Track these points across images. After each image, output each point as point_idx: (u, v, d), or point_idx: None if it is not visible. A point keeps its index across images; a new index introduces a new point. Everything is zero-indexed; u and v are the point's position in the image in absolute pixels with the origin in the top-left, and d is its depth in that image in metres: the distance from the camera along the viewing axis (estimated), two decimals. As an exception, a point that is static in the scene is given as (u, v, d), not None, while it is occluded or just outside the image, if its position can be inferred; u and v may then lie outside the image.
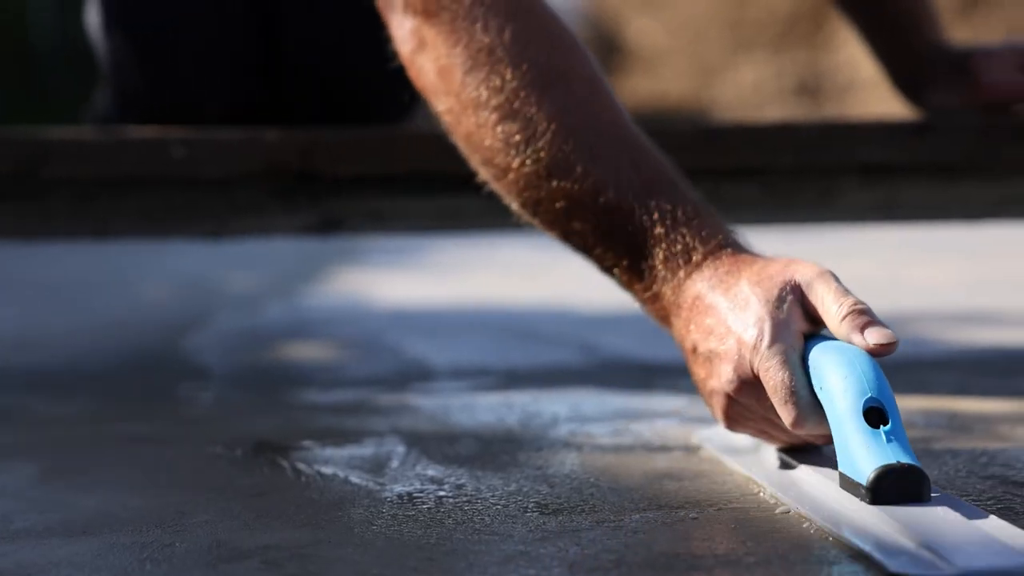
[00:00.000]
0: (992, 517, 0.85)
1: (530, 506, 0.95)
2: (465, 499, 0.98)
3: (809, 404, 0.92)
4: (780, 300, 0.95)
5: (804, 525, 0.89)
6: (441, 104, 1.09)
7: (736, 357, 0.95)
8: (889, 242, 2.93)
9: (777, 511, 0.92)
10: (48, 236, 1.48)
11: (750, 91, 7.13)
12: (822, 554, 0.83)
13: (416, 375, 1.59)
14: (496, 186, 1.08)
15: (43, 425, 1.32)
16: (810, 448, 1.01)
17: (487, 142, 1.06)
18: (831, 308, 0.93)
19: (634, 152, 1.04)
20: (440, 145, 1.48)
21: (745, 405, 0.97)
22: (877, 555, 0.80)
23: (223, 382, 1.59)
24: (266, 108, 1.58)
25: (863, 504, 0.87)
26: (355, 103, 1.59)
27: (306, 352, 1.91)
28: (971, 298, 2.12)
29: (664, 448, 1.12)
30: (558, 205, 1.05)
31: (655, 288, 1.02)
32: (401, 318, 2.16)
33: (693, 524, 0.90)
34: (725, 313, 0.97)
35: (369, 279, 2.75)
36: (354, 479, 1.04)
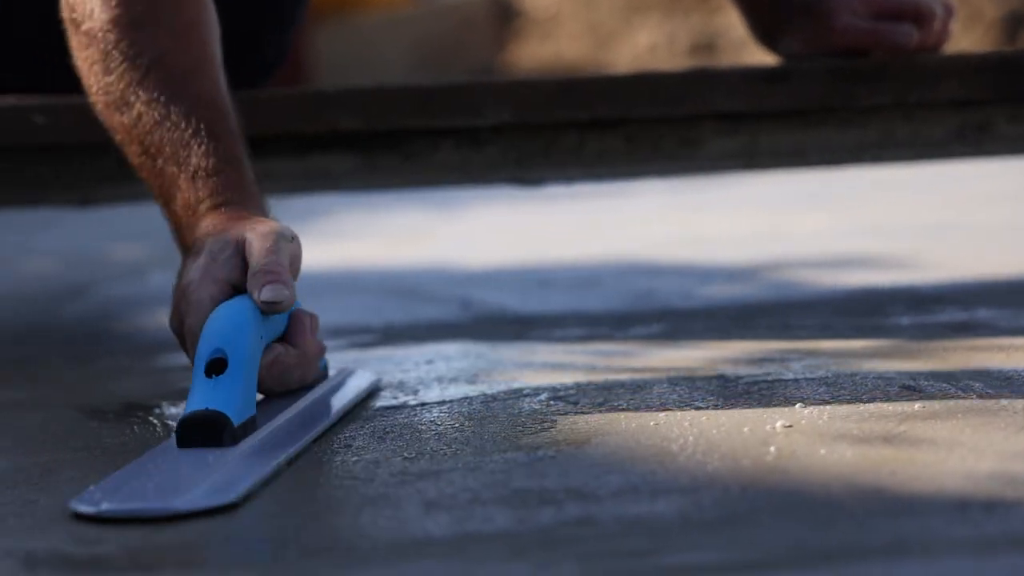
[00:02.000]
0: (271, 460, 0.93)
1: (395, 452, 0.97)
2: (331, 448, 0.99)
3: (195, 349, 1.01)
4: (218, 252, 1.05)
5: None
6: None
7: (177, 300, 1.06)
8: (762, 192, 2.98)
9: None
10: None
11: (646, 53, 7.16)
12: None
13: (293, 335, 1.60)
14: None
15: (-88, 394, 1.32)
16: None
17: (80, 66, 1.21)
18: (251, 264, 1.04)
19: (194, 105, 1.15)
20: (304, 105, 1.50)
21: (183, 346, 1.07)
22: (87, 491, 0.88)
23: (99, 348, 1.59)
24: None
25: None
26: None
27: (185, 317, 1.91)
28: (838, 244, 2.16)
29: (530, 394, 1.14)
30: (117, 137, 1.19)
31: (177, 228, 1.15)
32: (283, 282, 2.16)
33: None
34: (190, 260, 1.07)
35: (254, 246, 2.75)
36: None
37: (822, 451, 0.90)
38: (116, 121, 1.19)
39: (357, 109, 1.48)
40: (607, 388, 1.14)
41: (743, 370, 1.19)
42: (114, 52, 1.18)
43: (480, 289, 1.88)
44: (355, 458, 0.96)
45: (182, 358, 1.46)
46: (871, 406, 1.02)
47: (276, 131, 1.47)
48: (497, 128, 1.50)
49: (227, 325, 1.00)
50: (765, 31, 1.57)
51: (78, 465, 0.99)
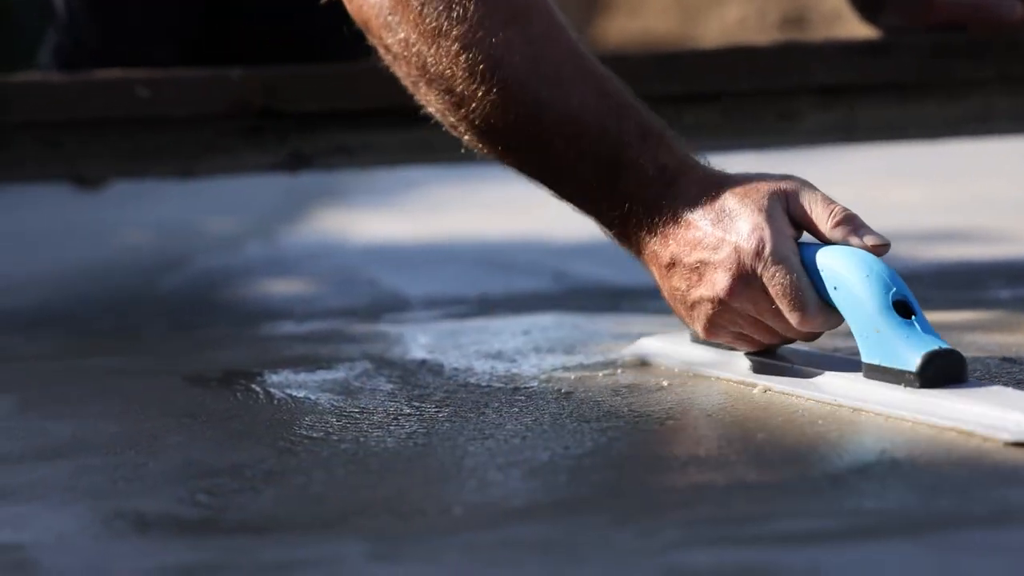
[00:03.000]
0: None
1: (499, 423, 0.98)
2: (436, 420, 1.00)
3: (817, 303, 0.97)
4: (771, 208, 0.98)
5: (848, 414, 0.92)
6: (393, 36, 1.09)
7: (734, 264, 0.98)
8: (860, 166, 2.96)
9: (783, 405, 0.95)
10: (17, 181, 1.50)
11: (735, 27, 7.11)
12: (913, 438, 0.86)
13: (391, 305, 1.62)
14: (452, 117, 1.08)
15: (18, 362, 1.34)
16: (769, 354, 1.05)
17: (448, 71, 1.06)
18: (822, 215, 0.99)
19: (597, 80, 1.05)
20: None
21: (736, 310, 1.00)
22: (982, 431, 0.85)
23: (199, 318, 1.61)
24: (213, 53, 1.60)
25: (911, 390, 0.92)
26: (301, 43, 1.60)
27: (282, 287, 1.93)
28: (938, 217, 2.15)
29: (625, 366, 1.15)
30: (521, 133, 1.05)
31: (624, 210, 1.03)
32: (378, 253, 2.18)
33: (674, 428, 0.93)
34: (713, 225, 0.99)
35: (348, 218, 2.77)
36: (324, 402, 1.07)
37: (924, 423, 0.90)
38: (515, 116, 1.05)
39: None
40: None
41: (840, 341, 1.19)
42: (502, 45, 1.05)
43: (574, 261, 1.89)
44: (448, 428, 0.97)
45: (280, 327, 1.49)
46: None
47: (380, 104, 1.48)
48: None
49: (885, 268, 0.97)
50: (865, 4, 1.56)
51: (184, 431, 1.01)
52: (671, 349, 1.13)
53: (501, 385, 1.09)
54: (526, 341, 1.29)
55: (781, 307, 0.98)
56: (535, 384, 1.09)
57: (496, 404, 1.02)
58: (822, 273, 0.97)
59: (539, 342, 1.28)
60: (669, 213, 1.02)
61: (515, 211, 2.61)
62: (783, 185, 1.00)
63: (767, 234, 0.97)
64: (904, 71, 1.51)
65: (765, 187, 0.99)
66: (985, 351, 1.11)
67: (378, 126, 1.51)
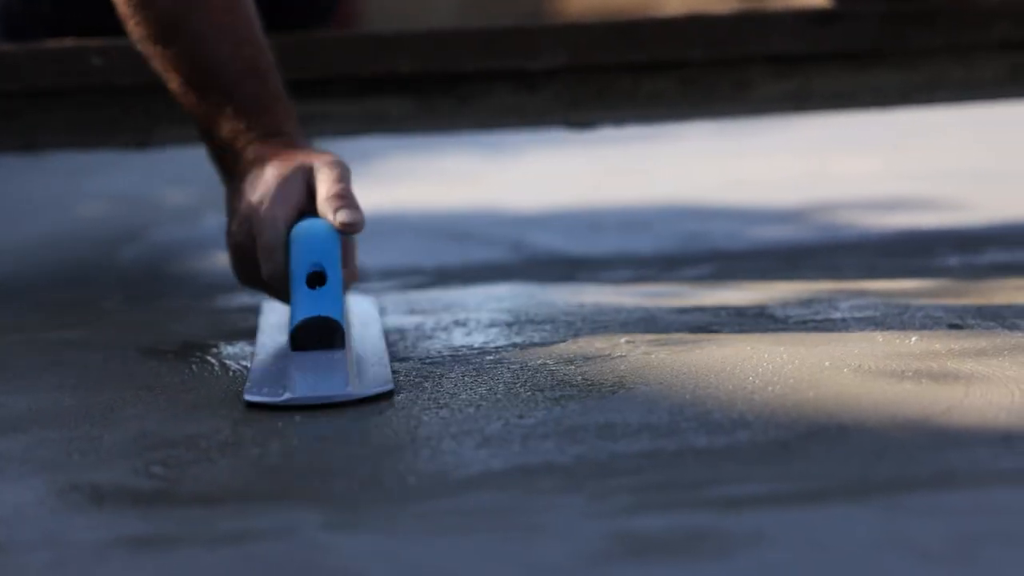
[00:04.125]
0: (383, 360, 1.04)
1: (454, 393, 0.99)
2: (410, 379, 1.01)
3: (278, 266, 1.11)
4: (288, 178, 1.13)
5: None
6: None
7: (243, 217, 1.14)
8: (815, 136, 2.98)
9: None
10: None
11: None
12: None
13: (347, 277, 1.62)
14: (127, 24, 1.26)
15: (-26, 334, 1.34)
16: None
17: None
18: (321, 190, 1.12)
19: (239, 41, 1.21)
20: (361, 48, 1.52)
21: (247, 262, 1.16)
22: (246, 387, 0.99)
23: (156, 290, 1.61)
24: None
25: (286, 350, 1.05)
26: (268, 9, 1.60)
27: (239, 260, 1.93)
28: (890, 186, 2.16)
29: (581, 334, 1.16)
30: (161, 67, 1.24)
31: (221, 154, 1.21)
32: (335, 225, 2.18)
33: (626, 396, 0.94)
34: (250, 182, 1.15)
35: (306, 190, 2.77)
36: (279, 372, 1.07)
37: (870, 387, 0.92)
38: (158, 52, 1.24)
39: (414, 52, 1.49)
40: (657, 328, 1.15)
41: (791, 310, 1.20)
42: None
43: (531, 231, 1.90)
44: (430, 393, 0.98)
45: (237, 299, 1.49)
46: (918, 344, 1.03)
47: (334, 73, 1.48)
48: (552, 71, 1.51)
49: (320, 242, 1.08)
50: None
51: (140, 403, 1.01)
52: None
53: (456, 355, 1.10)
54: (482, 311, 1.30)
55: (260, 260, 1.12)
56: (490, 354, 1.10)
57: (451, 374, 1.03)
58: (291, 243, 1.10)
59: (495, 312, 1.29)
60: (240, 167, 1.18)
61: (473, 182, 2.62)
62: (313, 160, 1.14)
63: (268, 196, 1.12)
64: (857, 40, 1.52)
65: (297, 160, 1.14)
66: (931, 318, 1.12)
67: (334, 95, 1.51)
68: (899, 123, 2.75)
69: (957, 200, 1.96)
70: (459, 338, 1.17)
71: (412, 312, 1.31)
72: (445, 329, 1.21)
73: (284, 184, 1.13)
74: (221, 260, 1.92)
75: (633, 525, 0.70)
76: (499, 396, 0.96)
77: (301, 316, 1.04)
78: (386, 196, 2.35)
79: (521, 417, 0.91)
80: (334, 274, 1.07)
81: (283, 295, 1.14)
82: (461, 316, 1.27)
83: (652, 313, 1.23)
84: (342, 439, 0.89)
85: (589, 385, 0.98)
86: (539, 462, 0.81)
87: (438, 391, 0.98)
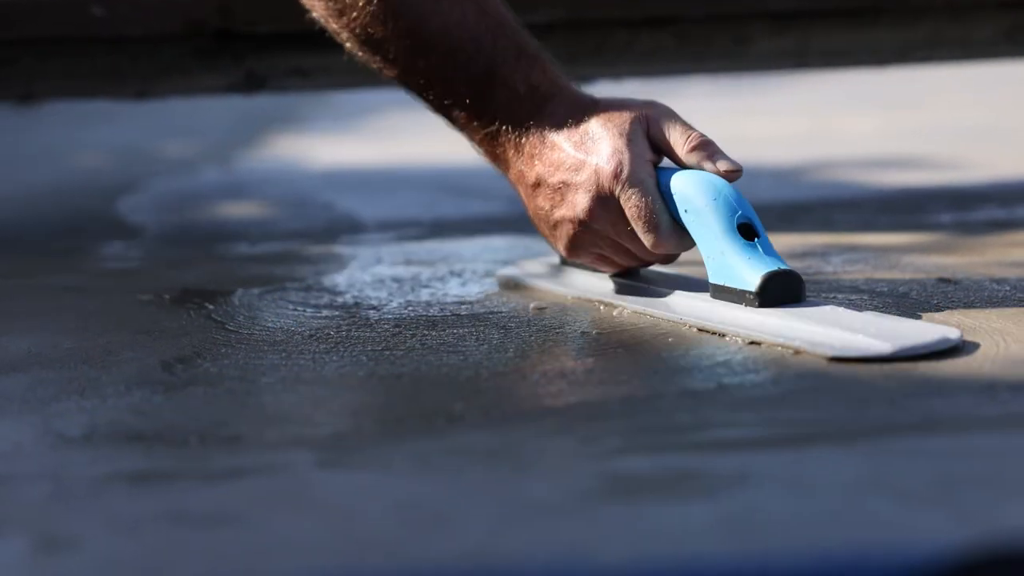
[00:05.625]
0: (869, 312, 0.95)
1: (450, 342, 1.00)
2: (383, 338, 1.03)
3: (670, 226, 1.01)
4: (633, 133, 1.01)
5: (692, 332, 0.94)
6: None
7: (594, 186, 1.01)
8: (815, 96, 2.98)
9: (647, 324, 0.98)
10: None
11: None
12: (750, 354, 0.88)
13: (346, 228, 1.64)
14: (334, 24, 1.09)
15: (-26, 279, 1.36)
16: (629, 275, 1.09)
17: None
18: (679, 140, 1.02)
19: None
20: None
21: (596, 232, 1.03)
22: (810, 348, 0.89)
23: (155, 239, 1.63)
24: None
25: (751, 310, 0.96)
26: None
27: (238, 211, 1.95)
28: (884, 145, 2.17)
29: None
30: (401, 43, 1.06)
31: (495, 126, 1.06)
32: (335, 178, 2.20)
33: (631, 344, 0.95)
34: (576, 148, 1.02)
35: (306, 144, 2.78)
36: (279, 320, 1.08)
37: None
38: (395, 26, 1.06)
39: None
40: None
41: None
42: None
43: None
44: (401, 344, 0.99)
45: (235, 249, 1.50)
46: (908, 296, 1.04)
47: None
48: (550, 26, 1.52)
49: (733, 193, 1.00)
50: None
51: (138, 347, 1.02)
52: (542, 272, 1.16)
53: (451, 303, 1.11)
54: (478, 262, 1.31)
55: (636, 229, 1.01)
56: (485, 302, 1.11)
57: (443, 324, 1.04)
58: (674, 197, 1.00)
59: (491, 263, 1.30)
60: (536, 134, 1.04)
61: (472, 136, 2.63)
62: (646, 111, 1.03)
63: (625, 158, 1.00)
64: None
65: (628, 113, 1.02)
66: (922, 271, 1.13)
67: (334, 48, 1.51)
68: (899, 82, 2.76)
69: (954, 158, 1.97)
70: (454, 288, 1.18)
71: (408, 263, 1.33)
72: (440, 279, 1.22)
73: (632, 143, 1.01)
74: (219, 211, 1.94)
75: (623, 466, 0.71)
76: (494, 343, 0.97)
77: (765, 270, 0.96)
78: (385, 151, 2.36)
79: (516, 363, 0.92)
80: (760, 225, 0.99)
81: (668, 257, 1.05)
82: (456, 267, 1.28)
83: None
84: (338, 383, 0.90)
85: (583, 332, 0.99)
86: (532, 405, 0.83)
87: (432, 338, 1.00)
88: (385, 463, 0.73)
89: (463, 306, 1.10)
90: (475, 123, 1.07)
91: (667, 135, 1.02)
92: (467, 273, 1.24)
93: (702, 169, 1.01)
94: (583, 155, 1.02)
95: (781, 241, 1.33)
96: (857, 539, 0.60)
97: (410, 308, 1.10)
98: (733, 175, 1.01)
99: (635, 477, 0.69)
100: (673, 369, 0.88)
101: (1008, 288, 1.06)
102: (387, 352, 0.96)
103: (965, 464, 0.68)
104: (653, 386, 0.85)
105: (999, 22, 1.55)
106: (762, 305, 0.96)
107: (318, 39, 1.49)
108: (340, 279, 1.25)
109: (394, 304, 1.12)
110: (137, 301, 1.19)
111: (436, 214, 1.70)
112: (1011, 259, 1.17)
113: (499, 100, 1.05)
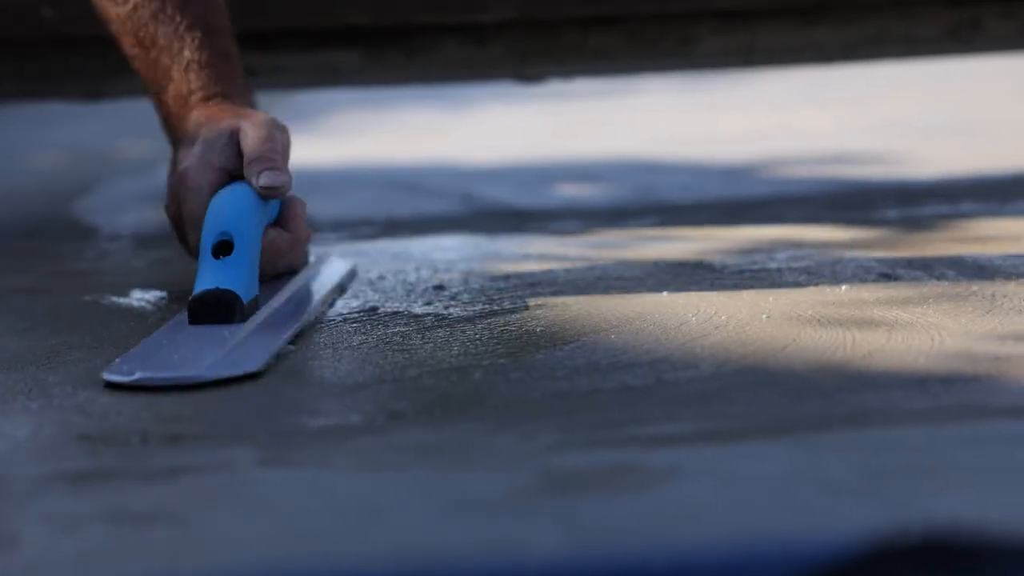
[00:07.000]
0: (280, 335, 0.98)
1: (395, 340, 1.01)
2: (336, 334, 1.03)
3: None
4: (214, 142, 1.09)
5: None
6: None
7: (174, 187, 1.11)
8: (768, 92, 3.00)
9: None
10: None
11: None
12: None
13: (298, 228, 1.64)
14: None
15: (-75, 281, 1.35)
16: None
17: None
18: (247, 152, 1.08)
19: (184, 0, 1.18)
20: (313, 1, 1.53)
21: (180, 232, 1.13)
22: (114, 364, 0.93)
23: (108, 240, 1.63)
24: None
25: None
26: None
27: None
28: (836, 142, 2.19)
29: (524, 283, 1.18)
30: (111, 27, 1.21)
31: (167, 118, 1.18)
32: (290, 178, 2.19)
33: (579, 344, 0.96)
34: (184, 149, 1.13)
35: (262, 143, 2.78)
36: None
37: (796, 333, 0.94)
38: (111, 12, 1.21)
39: (364, 5, 1.50)
40: (596, 276, 1.18)
41: (730, 260, 1.22)
42: None
43: (482, 184, 1.91)
44: (346, 342, 1.00)
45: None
46: (848, 292, 1.06)
47: (284, 26, 1.49)
48: (501, 25, 1.53)
49: (231, 209, 1.04)
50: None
51: (85, 348, 1.02)
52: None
53: (398, 302, 1.12)
54: (428, 261, 1.32)
55: (187, 233, 1.10)
56: (432, 301, 1.12)
57: (393, 323, 1.05)
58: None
59: (440, 262, 1.31)
60: (182, 131, 1.15)
61: (425, 136, 2.64)
62: (241, 122, 1.09)
63: (192, 163, 1.09)
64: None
65: (225, 123, 1.10)
66: (864, 267, 1.15)
67: (287, 48, 1.53)
68: (858, 77, 2.78)
69: (905, 154, 1.99)
70: (401, 286, 1.19)
71: (360, 262, 1.33)
72: (390, 276, 1.23)
73: (209, 149, 1.09)
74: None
75: (560, 462, 0.72)
76: (438, 342, 0.98)
77: (199, 288, 1.01)
78: (339, 150, 2.36)
79: (460, 360, 0.93)
80: (243, 243, 1.03)
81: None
82: (408, 266, 1.29)
83: (594, 263, 1.25)
84: (279, 380, 0.91)
85: (527, 332, 1.00)
86: (471, 403, 0.83)
87: (380, 336, 1.00)
88: (326, 461, 0.74)
89: (411, 305, 1.11)
90: (159, 110, 1.21)
91: (244, 147, 1.08)
92: (411, 272, 1.25)
93: (251, 183, 1.06)
94: (180, 158, 1.13)
95: (728, 237, 1.34)
96: (784, 529, 0.61)
97: (358, 307, 1.11)
98: (268, 191, 1.06)
99: (571, 472, 0.70)
100: (613, 365, 0.90)
101: (947, 283, 1.07)
102: (331, 350, 0.97)
103: (893, 456, 0.70)
104: (592, 382, 0.86)
105: (944, 20, 1.57)
106: (191, 321, 0.99)
107: (271, 39, 1.51)
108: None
109: (340, 303, 1.13)
110: (88, 303, 1.20)
111: (388, 212, 1.71)
112: (952, 254, 1.19)
113: (168, 96, 1.17)
